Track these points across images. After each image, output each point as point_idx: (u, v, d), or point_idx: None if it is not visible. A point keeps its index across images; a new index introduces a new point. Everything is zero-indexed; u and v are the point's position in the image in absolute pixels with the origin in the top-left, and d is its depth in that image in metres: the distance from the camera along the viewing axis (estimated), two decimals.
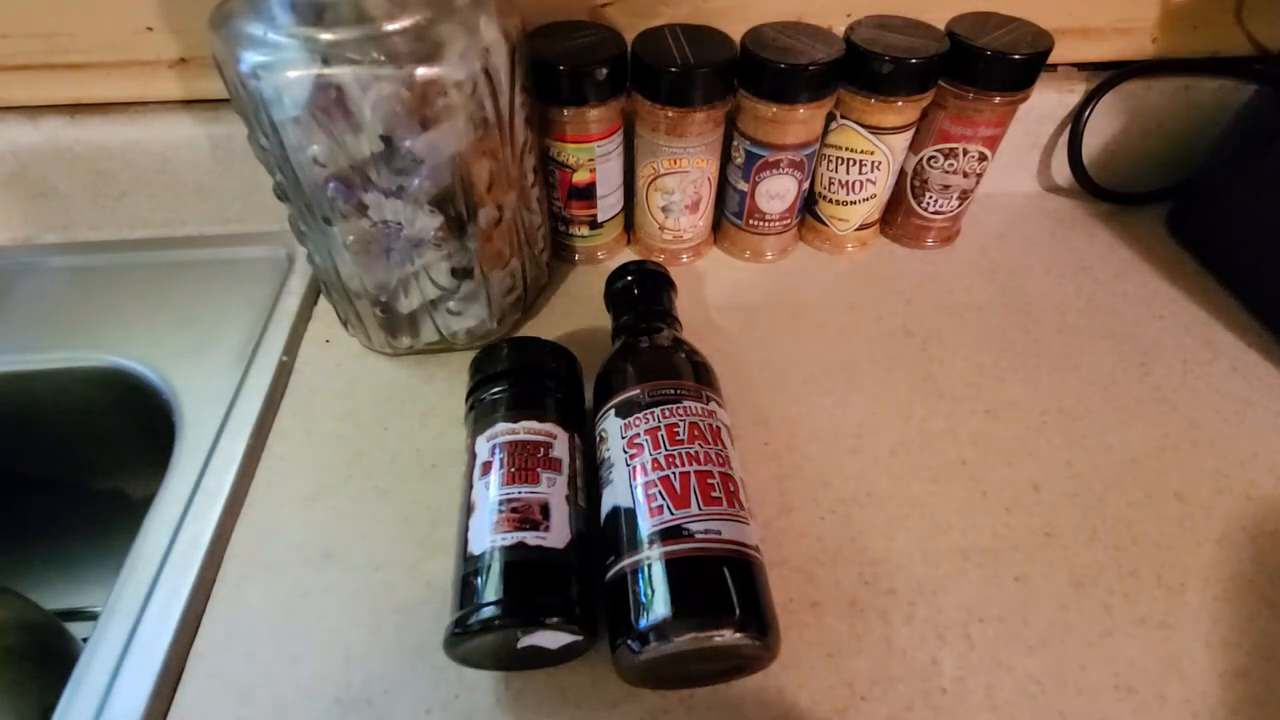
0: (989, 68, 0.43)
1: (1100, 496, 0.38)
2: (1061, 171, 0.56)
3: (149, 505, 0.36)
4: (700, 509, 0.28)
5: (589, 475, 0.34)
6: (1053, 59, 0.43)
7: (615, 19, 0.47)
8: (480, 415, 0.34)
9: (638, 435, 0.31)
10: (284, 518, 0.36)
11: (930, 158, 0.48)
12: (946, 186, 0.49)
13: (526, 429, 0.32)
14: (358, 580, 0.34)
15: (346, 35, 0.29)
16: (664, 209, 0.48)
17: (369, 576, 0.34)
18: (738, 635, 0.26)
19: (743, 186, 0.48)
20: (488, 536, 0.29)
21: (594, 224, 0.49)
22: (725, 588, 0.27)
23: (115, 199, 0.51)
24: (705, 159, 0.46)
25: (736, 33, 0.43)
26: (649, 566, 0.27)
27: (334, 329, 0.45)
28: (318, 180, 0.33)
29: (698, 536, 0.28)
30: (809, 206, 0.51)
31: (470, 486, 0.31)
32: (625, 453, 0.31)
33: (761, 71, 0.41)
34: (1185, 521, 0.37)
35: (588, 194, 0.47)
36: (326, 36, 0.29)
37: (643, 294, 0.41)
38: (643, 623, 0.26)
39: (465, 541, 0.30)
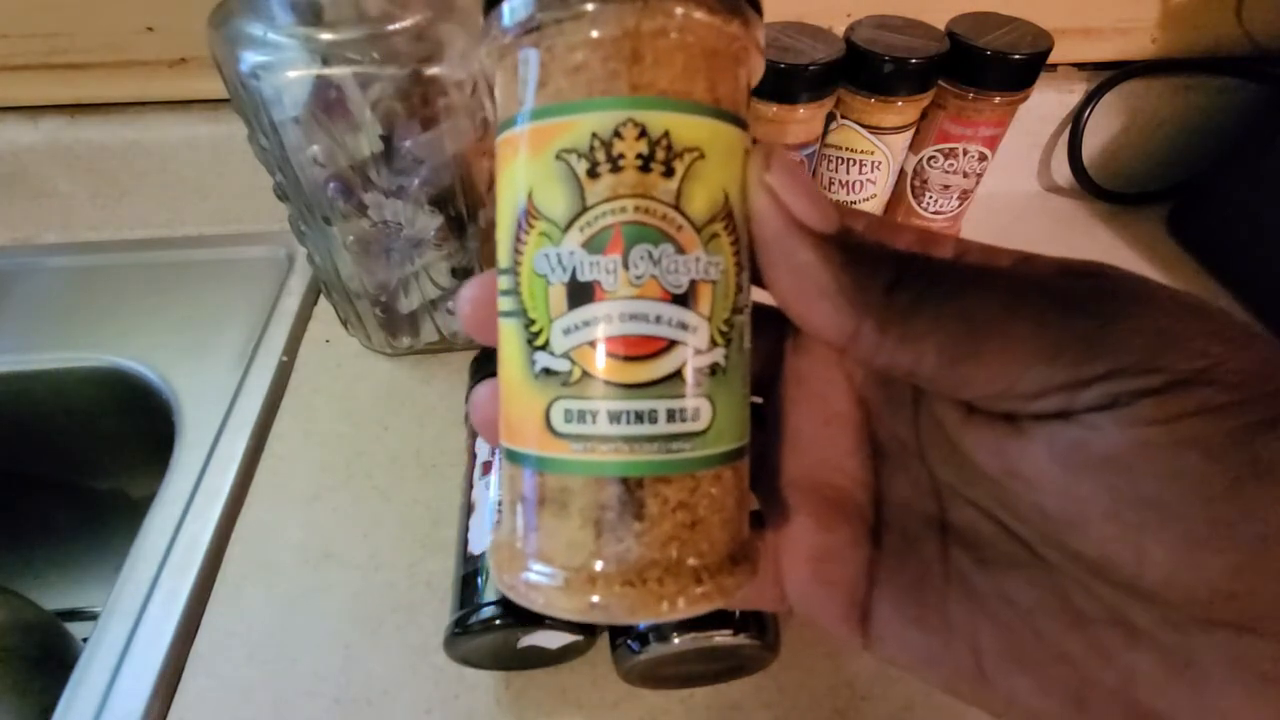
0: (989, 68, 0.43)
1: None
2: (1061, 171, 0.56)
3: (149, 505, 0.36)
4: None
5: None
6: (1053, 59, 0.43)
7: None
8: None
9: None
10: (284, 518, 0.36)
11: (930, 158, 0.48)
12: (946, 186, 0.49)
13: None
14: (358, 580, 0.34)
15: (346, 35, 0.29)
16: None
17: (369, 576, 0.34)
18: (737, 635, 0.26)
19: None
20: (488, 536, 0.29)
21: None
22: None
23: (115, 199, 0.51)
24: None
25: None
26: None
27: (334, 329, 0.45)
28: (318, 180, 0.33)
29: None
30: None
31: (470, 486, 0.31)
32: None
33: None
34: None
35: None
36: (326, 36, 0.29)
37: None
38: (642, 623, 0.26)
39: (465, 541, 0.30)
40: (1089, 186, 0.55)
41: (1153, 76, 0.51)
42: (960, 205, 0.50)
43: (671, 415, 0.13)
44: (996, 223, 0.55)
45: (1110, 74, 0.51)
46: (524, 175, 0.13)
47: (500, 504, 0.15)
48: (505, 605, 0.27)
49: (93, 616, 0.57)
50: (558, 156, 0.13)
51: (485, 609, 0.27)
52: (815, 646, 0.32)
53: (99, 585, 0.58)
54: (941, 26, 0.44)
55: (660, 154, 0.12)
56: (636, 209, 0.12)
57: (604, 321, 0.13)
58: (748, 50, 0.14)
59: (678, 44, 0.13)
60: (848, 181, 0.48)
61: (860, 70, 0.42)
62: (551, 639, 0.28)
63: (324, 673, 0.31)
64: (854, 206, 0.49)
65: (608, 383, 0.13)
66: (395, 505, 0.37)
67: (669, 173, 0.12)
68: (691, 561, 0.13)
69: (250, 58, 0.29)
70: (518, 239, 0.13)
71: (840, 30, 0.44)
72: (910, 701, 0.30)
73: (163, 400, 0.42)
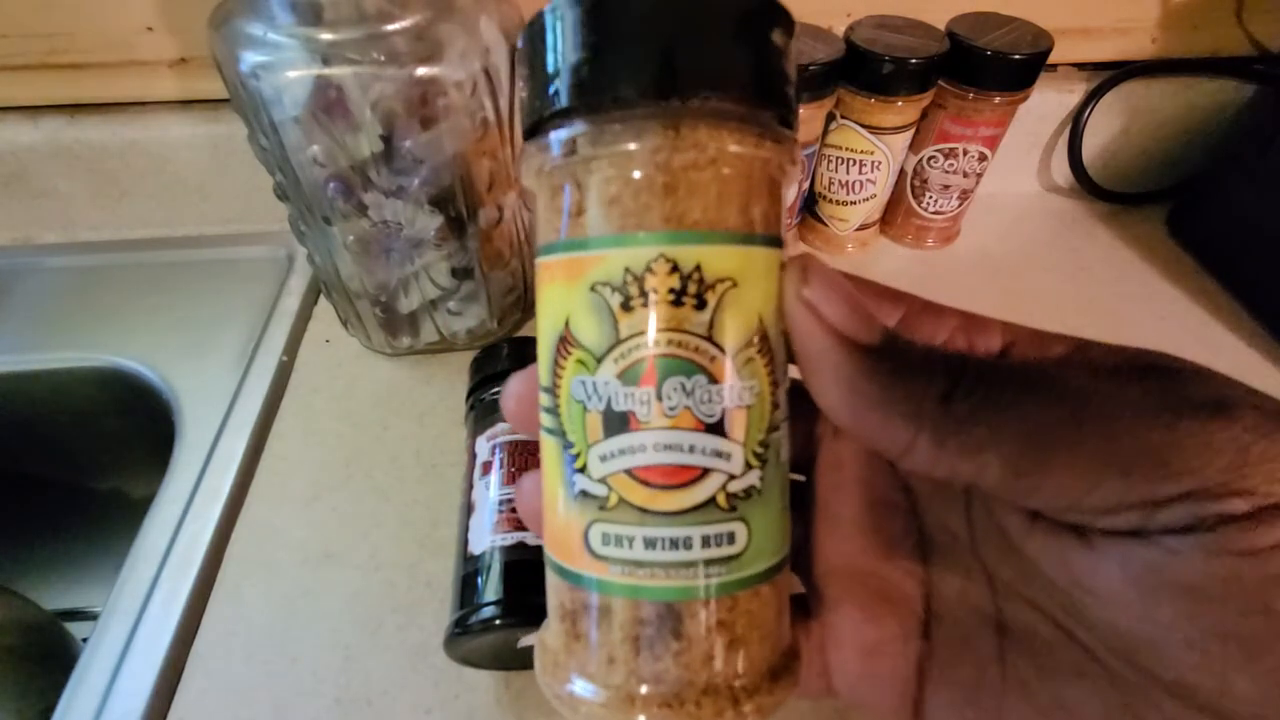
0: (989, 68, 0.43)
1: None
2: (1061, 171, 0.56)
3: (149, 505, 0.36)
4: None
5: None
6: (1053, 59, 0.43)
7: None
8: (480, 415, 0.34)
9: None
10: (284, 518, 0.36)
11: (930, 158, 0.48)
12: (946, 186, 0.49)
13: None
14: (358, 580, 0.34)
15: (346, 35, 0.29)
16: None
17: (369, 576, 0.34)
18: None
19: None
20: (488, 536, 0.29)
21: None
22: None
23: (115, 199, 0.51)
24: None
25: None
26: None
27: (334, 329, 0.45)
28: (318, 180, 0.33)
29: None
30: (809, 206, 0.51)
31: (470, 486, 0.31)
32: None
33: None
34: None
35: None
36: (326, 36, 0.29)
37: None
38: None
39: (465, 541, 0.30)
40: (1089, 186, 0.55)
41: (1153, 76, 0.51)
42: (960, 205, 0.51)
43: (706, 541, 0.13)
44: (996, 223, 0.55)
45: (1110, 74, 0.51)
46: (561, 303, 0.14)
47: (546, 604, 0.16)
48: (505, 605, 0.27)
49: (93, 616, 0.57)
50: (592, 288, 0.13)
51: (485, 609, 0.27)
52: None
53: (99, 585, 0.58)
54: (941, 26, 0.44)
55: (692, 288, 0.13)
56: (669, 342, 0.13)
57: (639, 451, 0.13)
58: (783, 168, 0.14)
59: (711, 176, 0.13)
60: (847, 181, 0.48)
61: (860, 70, 0.42)
62: None
63: (324, 673, 0.31)
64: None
65: (643, 510, 0.13)
66: (395, 505, 0.37)
67: (700, 305, 0.13)
68: (730, 682, 0.13)
69: (250, 58, 0.29)
70: (556, 363, 0.14)
71: (840, 30, 0.44)
72: None
73: (163, 400, 0.42)
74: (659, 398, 0.13)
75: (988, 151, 0.47)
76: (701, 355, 0.13)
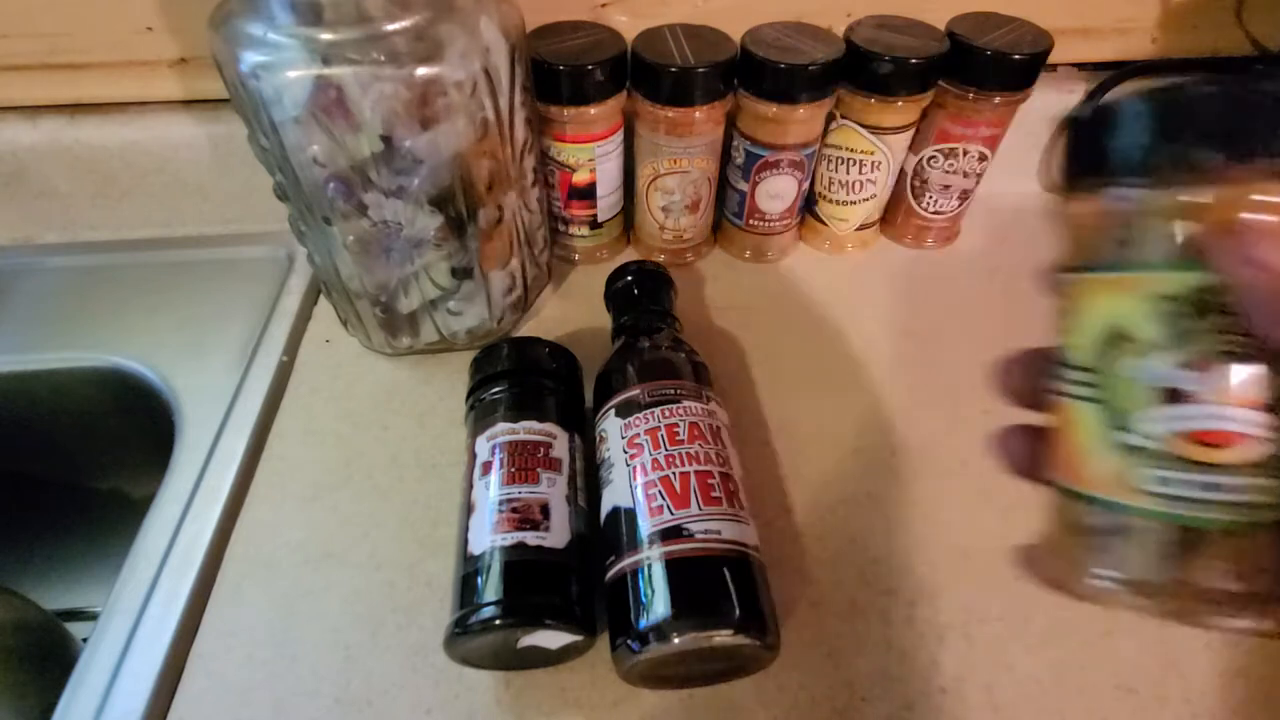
0: (989, 68, 0.43)
1: None
2: None
3: (149, 505, 0.36)
4: (700, 509, 0.28)
5: (589, 475, 0.34)
6: (1053, 59, 0.43)
7: (615, 19, 0.47)
8: (480, 415, 0.34)
9: (638, 435, 0.31)
10: (284, 518, 0.36)
11: (930, 158, 0.48)
12: (947, 186, 0.49)
13: (526, 429, 0.32)
14: (358, 580, 0.34)
15: (346, 35, 0.29)
16: (664, 209, 0.48)
17: (369, 576, 0.34)
18: (737, 635, 0.26)
19: (743, 186, 0.48)
20: (488, 536, 0.29)
21: (594, 224, 0.49)
22: (725, 588, 0.27)
23: (115, 199, 0.51)
24: (705, 159, 0.46)
25: (736, 33, 0.43)
26: (649, 566, 0.27)
27: (334, 329, 0.45)
28: (318, 180, 0.33)
29: (697, 536, 0.28)
30: (809, 206, 0.51)
31: (470, 486, 0.31)
32: (625, 453, 0.31)
33: (762, 71, 0.41)
34: None
35: (588, 194, 0.47)
36: (326, 36, 0.29)
37: (643, 294, 0.41)
38: (642, 623, 0.26)
39: (465, 541, 0.30)
40: None
41: (1153, 76, 0.51)
42: (960, 205, 0.50)
43: (1233, 488, 0.16)
44: (996, 223, 0.55)
45: (1110, 74, 0.51)
46: (1118, 307, 0.18)
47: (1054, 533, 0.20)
48: (505, 605, 0.27)
49: (93, 616, 0.57)
50: (1155, 299, 0.17)
51: (485, 609, 0.27)
52: (815, 647, 0.32)
53: (99, 585, 0.58)
54: (941, 26, 0.44)
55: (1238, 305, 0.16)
56: (1225, 342, 0.16)
57: (1191, 419, 0.16)
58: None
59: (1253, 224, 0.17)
60: (847, 181, 0.48)
61: (860, 70, 0.42)
62: (551, 639, 0.28)
63: (324, 673, 0.31)
64: (853, 205, 0.49)
65: (1187, 460, 0.16)
66: (395, 505, 0.37)
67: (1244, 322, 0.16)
68: (1238, 590, 0.17)
69: (250, 58, 0.29)
70: (1105, 350, 0.18)
71: (840, 30, 0.44)
72: (910, 702, 0.30)
73: (163, 400, 0.42)
74: (1214, 380, 0.16)
75: (988, 151, 0.47)
76: (1249, 350, 0.16)
